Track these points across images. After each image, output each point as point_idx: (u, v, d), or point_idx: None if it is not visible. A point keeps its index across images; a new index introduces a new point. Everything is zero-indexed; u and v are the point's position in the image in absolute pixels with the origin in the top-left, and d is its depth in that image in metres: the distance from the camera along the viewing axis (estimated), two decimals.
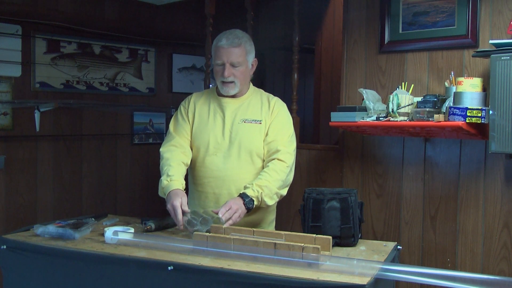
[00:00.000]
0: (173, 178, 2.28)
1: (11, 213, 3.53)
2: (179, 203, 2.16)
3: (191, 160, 2.45)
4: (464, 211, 2.65)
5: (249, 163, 2.35)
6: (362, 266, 1.71)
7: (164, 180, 2.29)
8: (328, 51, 4.50)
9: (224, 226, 2.12)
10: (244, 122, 2.39)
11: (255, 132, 2.38)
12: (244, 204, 2.19)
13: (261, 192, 2.24)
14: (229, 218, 2.13)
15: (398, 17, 2.79)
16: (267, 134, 2.39)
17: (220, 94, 2.46)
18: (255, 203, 2.23)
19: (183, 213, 2.16)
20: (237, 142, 2.35)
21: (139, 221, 2.42)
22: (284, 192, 2.37)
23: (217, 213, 2.14)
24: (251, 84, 2.52)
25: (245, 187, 2.25)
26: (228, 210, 2.14)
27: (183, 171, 2.38)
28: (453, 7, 2.62)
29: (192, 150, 2.44)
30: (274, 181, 2.28)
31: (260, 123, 2.39)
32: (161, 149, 2.44)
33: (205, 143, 2.39)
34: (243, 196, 2.21)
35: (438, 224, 2.73)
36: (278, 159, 2.33)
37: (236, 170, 2.33)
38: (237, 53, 2.34)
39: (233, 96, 2.43)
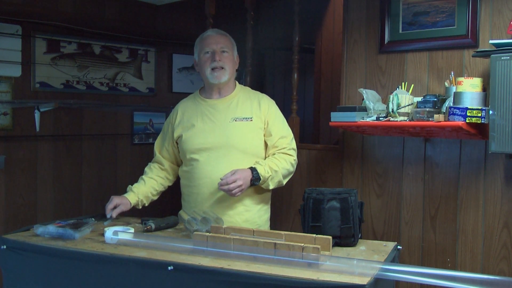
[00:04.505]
0: (132, 189, 2.51)
1: (11, 213, 3.53)
2: (113, 205, 2.39)
3: (185, 164, 2.50)
4: (464, 211, 2.65)
5: (244, 161, 2.36)
6: (362, 266, 1.71)
7: (128, 186, 2.53)
8: (328, 51, 4.50)
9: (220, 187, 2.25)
10: (235, 121, 2.40)
11: (247, 130, 2.40)
12: (251, 180, 2.28)
13: (270, 176, 2.33)
14: (227, 184, 2.21)
15: (398, 17, 2.79)
16: (270, 135, 2.43)
17: (206, 97, 2.47)
18: (260, 182, 2.32)
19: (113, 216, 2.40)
20: (229, 141, 2.37)
21: (139, 221, 2.42)
22: (285, 182, 2.46)
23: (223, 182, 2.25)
24: (236, 82, 2.54)
25: (258, 163, 2.32)
26: (233, 177, 2.22)
27: (153, 185, 2.56)
28: (453, 7, 2.62)
29: (185, 154, 2.48)
30: (283, 168, 2.39)
31: (251, 120, 2.41)
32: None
33: (198, 146, 2.41)
34: (253, 170, 2.29)
35: (438, 224, 2.73)
36: (285, 153, 2.44)
37: (230, 169, 2.34)
38: (225, 41, 2.45)
39: (220, 94, 2.45)
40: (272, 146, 2.44)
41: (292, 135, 2.53)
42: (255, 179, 2.29)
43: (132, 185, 2.55)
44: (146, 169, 2.63)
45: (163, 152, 2.58)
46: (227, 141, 2.37)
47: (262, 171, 2.30)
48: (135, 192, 2.50)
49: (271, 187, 2.39)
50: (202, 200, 2.41)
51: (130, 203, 2.46)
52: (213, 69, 2.39)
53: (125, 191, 2.53)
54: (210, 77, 2.41)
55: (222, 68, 2.38)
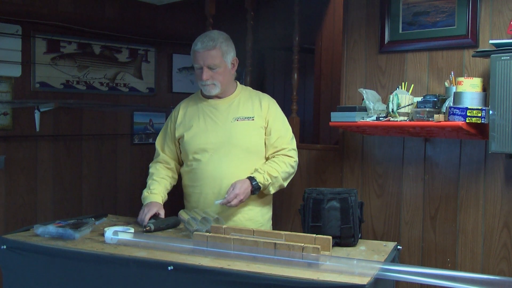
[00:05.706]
0: (153, 191, 2.44)
1: (11, 213, 3.53)
2: (149, 214, 2.31)
3: (187, 164, 2.49)
4: (464, 211, 2.65)
5: (247, 160, 2.37)
6: (362, 266, 1.71)
7: (144, 192, 2.46)
8: (328, 51, 4.50)
9: (218, 202, 2.26)
10: (237, 120, 2.41)
11: (249, 129, 2.41)
12: (252, 190, 2.30)
13: (270, 183, 2.34)
14: (228, 202, 2.23)
15: (398, 17, 2.79)
16: (270, 134, 2.44)
17: (207, 96, 2.47)
18: (261, 190, 2.34)
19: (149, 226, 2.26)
20: (232, 141, 2.38)
21: None
22: (286, 184, 2.47)
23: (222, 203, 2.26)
24: (237, 82, 2.54)
25: (256, 171, 2.33)
26: (233, 193, 2.23)
27: (166, 184, 2.52)
28: (453, 7, 2.62)
29: (187, 154, 2.47)
30: (282, 172, 2.39)
31: (253, 119, 2.42)
32: (149, 165, 2.60)
33: (200, 146, 2.41)
34: (251, 180, 2.30)
35: (438, 224, 2.73)
36: (285, 155, 2.43)
37: (234, 169, 2.35)
38: (213, 55, 2.35)
39: (219, 97, 2.45)
40: (271, 146, 2.43)
41: (292, 135, 2.52)
42: (255, 189, 2.31)
43: (148, 188, 2.47)
44: (152, 170, 2.55)
45: (166, 150, 2.56)
46: (230, 141, 2.38)
47: (261, 179, 2.31)
48: (157, 193, 2.45)
49: (272, 192, 2.41)
50: (204, 200, 2.41)
51: (161, 205, 2.44)
52: (203, 84, 2.40)
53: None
54: (203, 90, 2.45)
55: (212, 83, 2.39)
